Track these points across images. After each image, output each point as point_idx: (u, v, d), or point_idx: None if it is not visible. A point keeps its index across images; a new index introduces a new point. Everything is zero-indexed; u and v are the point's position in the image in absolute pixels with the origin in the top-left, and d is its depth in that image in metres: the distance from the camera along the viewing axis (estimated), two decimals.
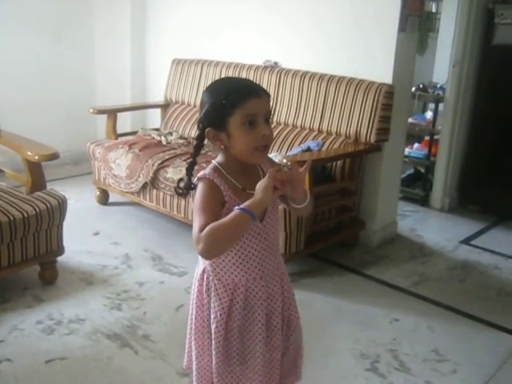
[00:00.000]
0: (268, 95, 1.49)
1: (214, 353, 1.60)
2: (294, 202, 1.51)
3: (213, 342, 1.60)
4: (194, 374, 1.70)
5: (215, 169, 1.50)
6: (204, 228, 1.39)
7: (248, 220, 1.37)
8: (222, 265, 1.55)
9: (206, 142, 1.52)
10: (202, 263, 1.61)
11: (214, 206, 1.45)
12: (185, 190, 1.54)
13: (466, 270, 3.50)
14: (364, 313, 2.92)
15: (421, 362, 2.52)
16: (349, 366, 2.48)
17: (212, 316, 1.59)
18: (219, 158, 1.52)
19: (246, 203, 1.38)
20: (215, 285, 1.57)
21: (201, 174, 1.50)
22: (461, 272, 3.48)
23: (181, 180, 1.57)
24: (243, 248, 1.53)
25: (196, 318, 1.65)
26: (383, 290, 3.19)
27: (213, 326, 1.59)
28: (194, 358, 1.68)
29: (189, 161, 1.58)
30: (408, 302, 3.07)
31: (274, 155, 3.36)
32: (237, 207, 1.38)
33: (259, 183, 1.39)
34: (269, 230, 1.55)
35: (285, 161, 3.01)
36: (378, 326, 2.81)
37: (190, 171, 1.55)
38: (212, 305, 1.58)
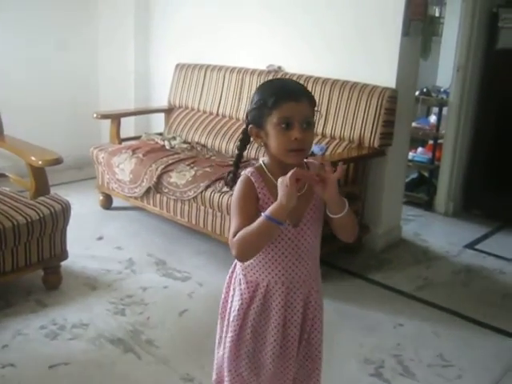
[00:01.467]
0: (310, 100, 1.50)
1: (227, 345, 1.61)
2: (329, 210, 1.51)
3: (227, 335, 1.62)
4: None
5: (258, 166, 1.56)
6: (237, 233, 1.44)
7: (273, 227, 1.41)
8: (249, 261, 1.57)
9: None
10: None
11: (248, 206, 1.50)
12: (231, 182, 1.61)
13: (471, 275, 3.49)
14: (368, 318, 2.91)
15: (425, 368, 2.51)
16: (353, 371, 2.47)
17: (231, 310, 1.61)
18: (266, 156, 1.57)
19: (271, 208, 1.40)
20: (240, 280, 1.60)
21: (244, 170, 1.56)
22: (465, 276, 3.47)
23: (230, 172, 1.63)
24: (270, 248, 1.53)
25: (221, 308, 1.68)
26: (387, 295, 3.18)
27: (230, 320, 1.61)
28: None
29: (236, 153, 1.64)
30: (412, 307, 3.06)
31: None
32: (263, 213, 1.41)
33: (280, 188, 1.39)
34: (303, 237, 1.54)
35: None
36: (383, 331, 2.80)
37: (236, 163, 1.63)
38: (234, 298, 1.61)
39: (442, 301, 3.11)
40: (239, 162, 1.64)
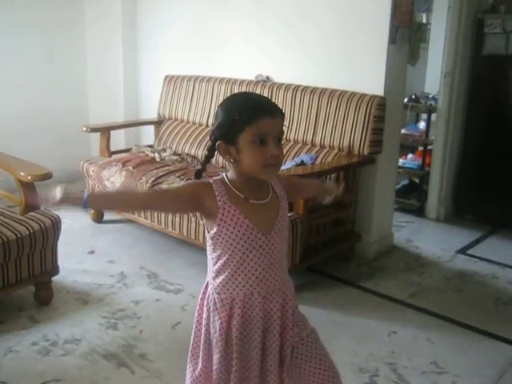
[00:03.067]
0: (282, 115, 1.50)
1: (214, 368, 1.58)
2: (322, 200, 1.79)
3: (214, 358, 1.59)
4: None
5: (221, 178, 1.54)
6: (162, 192, 1.56)
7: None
8: (221, 278, 1.55)
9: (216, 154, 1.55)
10: (207, 277, 1.62)
11: (188, 194, 1.51)
12: None
13: (463, 280, 3.50)
14: (361, 326, 2.90)
15: (420, 375, 2.50)
16: (347, 380, 2.43)
17: (212, 331, 1.58)
18: (229, 171, 1.54)
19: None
20: (214, 299, 1.57)
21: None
22: (458, 282, 3.47)
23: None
24: (243, 259, 1.52)
25: (195, 333, 1.65)
26: (380, 303, 3.18)
27: (213, 342, 1.58)
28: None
29: (197, 168, 1.63)
30: (405, 314, 3.05)
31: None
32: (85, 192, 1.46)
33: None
34: (273, 245, 1.54)
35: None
36: (376, 339, 2.79)
37: (198, 177, 1.60)
38: (212, 319, 1.58)
39: (434, 307, 3.11)
40: (200, 176, 1.60)
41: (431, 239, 4.18)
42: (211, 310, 1.58)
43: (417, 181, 4.88)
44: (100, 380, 2.39)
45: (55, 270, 2.98)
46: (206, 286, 1.62)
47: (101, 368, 2.47)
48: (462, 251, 3.94)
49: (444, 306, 3.13)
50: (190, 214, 3.36)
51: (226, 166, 3.85)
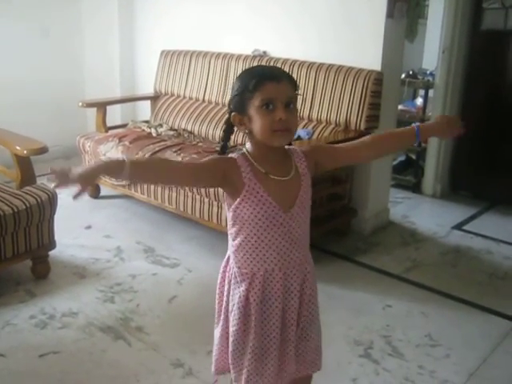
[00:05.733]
0: (291, 80, 1.50)
1: (230, 340, 1.59)
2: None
3: (230, 331, 1.59)
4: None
5: (242, 153, 1.53)
6: (189, 162, 1.55)
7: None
8: (242, 253, 1.55)
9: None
10: (228, 251, 1.62)
11: (214, 167, 1.50)
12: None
13: (459, 255, 3.52)
14: (357, 299, 2.93)
15: (414, 348, 2.53)
16: (342, 352, 2.48)
17: (230, 305, 1.59)
18: (248, 144, 1.55)
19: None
20: (235, 273, 1.58)
21: (231, 154, 1.55)
22: (453, 257, 3.49)
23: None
24: (263, 236, 1.52)
25: (218, 303, 1.66)
26: (376, 277, 3.20)
27: (231, 316, 1.59)
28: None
29: (221, 144, 1.62)
30: (401, 288, 3.08)
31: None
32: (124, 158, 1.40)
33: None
34: (294, 222, 1.53)
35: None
36: (371, 312, 2.82)
37: (223, 153, 1.59)
38: (231, 292, 1.59)
39: (430, 281, 3.13)
40: (223, 153, 1.60)
41: (427, 215, 4.20)
42: (232, 283, 1.59)
43: (413, 157, 4.88)
44: (97, 352, 2.41)
45: (52, 244, 2.99)
46: (228, 259, 1.62)
47: (98, 341, 2.49)
48: (458, 227, 3.96)
49: (439, 280, 3.16)
50: (187, 189, 3.37)
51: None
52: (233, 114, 1.51)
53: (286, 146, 1.57)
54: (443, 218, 4.09)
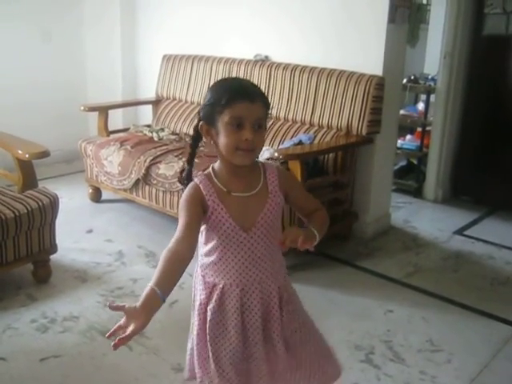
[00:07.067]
0: (264, 102, 1.47)
1: (194, 338, 1.63)
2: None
3: (193, 335, 1.64)
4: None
5: (207, 173, 1.53)
6: (181, 230, 1.44)
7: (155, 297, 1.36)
8: (206, 263, 1.58)
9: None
10: (199, 257, 1.64)
11: (192, 211, 1.48)
12: (186, 180, 1.58)
13: (460, 260, 3.51)
14: (358, 304, 2.93)
15: (415, 353, 2.53)
16: (343, 357, 2.46)
17: (195, 309, 1.63)
18: (217, 160, 1.54)
19: (160, 285, 1.35)
20: (199, 280, 1.61)
21: (196, 175, 1.55)
22: (454, 262, 3.49)
23: (183, 170, 1.61)
24: (223, 252, 1.53)
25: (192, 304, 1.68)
26: (377, 282, 3.20)
27: (194, 319, 1.62)
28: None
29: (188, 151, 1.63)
30: (402, 293, 3.07)
31: (266, 149, 3.36)
32: (150, 284, 1.35)
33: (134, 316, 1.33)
34: (256, 241, 1.52)
35: (276, 154, 3.01)
36: (373, 317, 2.82)
37: (190, 162, 1.60)
38: (196, 297, 1.63)
39: (431, 286, 3.13)
40: (193, 160, 1.61)
41: (428, 220, 4.19)
42: (197, 288, 1.63)
43: (415, 162, 4.88)
44: (98, 356, 2.41)
45: (53, 248, 2.99)
46: (198, 266, 1.65)
47: (99, 345, 2.49)
48: (459, 232, 3.95)
49: (440, 285, 3.15)
50: None
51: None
52: (201, 122, 1.51)
53: (261, 160, 1.58)
54: (445, 223, 4.09)
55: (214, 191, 1.50)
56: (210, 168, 1.55)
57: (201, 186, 1.50)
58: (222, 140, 1.45)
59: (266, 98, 1.49)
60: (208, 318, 1.57)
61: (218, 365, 1.59)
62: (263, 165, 1.58)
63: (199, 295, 1.60)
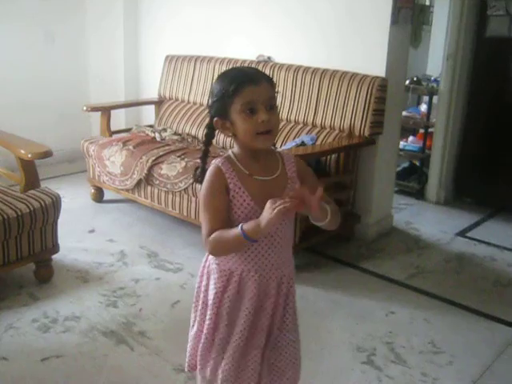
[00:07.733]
0: (269, 81, 1.50)
1: (204, 333, 1.63)
2: (313, 219, 1.52)
3: (205, 323, 1.63)
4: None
5: (227, 156, 1.54)
6: (211, 233, 1.47)
7: (246, 242, 1.44)
8: None
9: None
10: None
11: (218, 200, 1.49)
12: (200, 178, 1.58)
13: (462, 262, 3.51)
14: (360, 306, 2.92)
15: (417, 354, 2.52)
16: (345, 359, 2.48)
17: (207, 298, 1.62)
18: (234, 147, 1.56)
19: (249, 226, 1.41)
20: (214, 269, 1.60)
21: (213, 161, 1.54)
22: (457, 264, 3.48)
23: (197, 168, 1.61)
24: None
25: (195, 297, 1.69)
26: (379, 283, 3.19)
27: (207, 308, 1.61)
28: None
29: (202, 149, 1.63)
30: (404, 295, 3.07)
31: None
32: (240, 227, 1.42)
33: (266, 212, 1.38)
34: (276, 228, 1.53)
35: None
36: (374, 318, 2.81)
37: (203, 159, 1.61)
38: (209, 287, 1.61)
39: (433, 288, 3.12)
40: (206, 157, 1.61)
41: (431, 221, 4.18)
42: (210, 278, 1.61)
43: (417, 163, 4.88)
44: (99, 357, 2.41)
45: (55, 248, 2.99)
46: (207, 256, 1.64)
47: (100, 345, 2.49)
48: (462, 234, 3.95)
49: (442, 287, 3.15)
50: (190, 194, 3.37)
51: (225, 146, 3.85)
52: (215, 119, 1.51)
53: (277, 149, 1.58)
54: (447, 225, 4.08)
55: (236, 174, 1.50)
56: (230, 152, 1.55)
57: (222, 167, 1.50)
58: (240, 128, 1.47)
59: (270, 78, 1.52)
60: (225, 306, 1.57)
61: (223, 352, 1.60)
62: (279, 153, 1.60)
63: (214, 284, 1.58)
